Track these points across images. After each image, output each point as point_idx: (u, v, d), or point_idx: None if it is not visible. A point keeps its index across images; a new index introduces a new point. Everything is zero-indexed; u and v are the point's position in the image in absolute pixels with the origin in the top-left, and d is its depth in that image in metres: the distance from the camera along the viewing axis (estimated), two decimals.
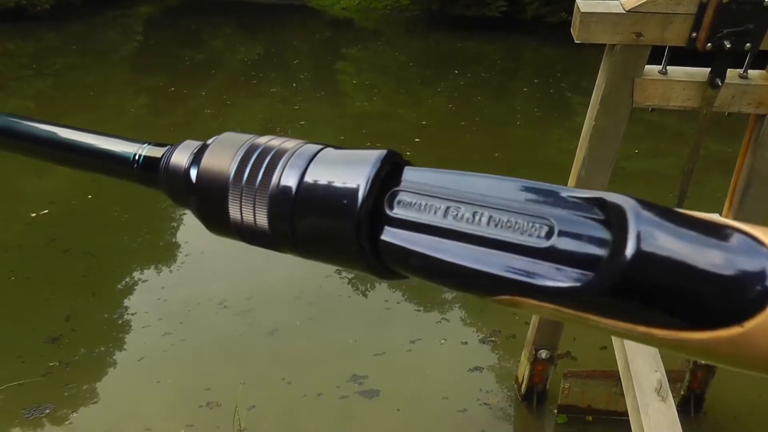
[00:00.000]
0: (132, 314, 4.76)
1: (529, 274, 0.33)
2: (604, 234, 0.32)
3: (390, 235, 0.38)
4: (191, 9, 17.02)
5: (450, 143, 8.14)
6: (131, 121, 9.28)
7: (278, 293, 4.97)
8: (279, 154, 0.42)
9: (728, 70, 2.52)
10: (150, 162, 0.52)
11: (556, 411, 3.78)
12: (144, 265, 5.42)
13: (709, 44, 2.35)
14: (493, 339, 4.49)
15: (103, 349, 4.45)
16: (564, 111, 9.67)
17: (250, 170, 0.42)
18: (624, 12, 2.38)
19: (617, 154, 2.82)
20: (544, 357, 3.67)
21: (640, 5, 2.35)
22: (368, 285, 5.17)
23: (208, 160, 0.45)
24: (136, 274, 5.30)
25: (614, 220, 0.32)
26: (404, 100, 10.26)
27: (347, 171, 0.39)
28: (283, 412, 3.86)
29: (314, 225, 0.40)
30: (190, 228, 6.08)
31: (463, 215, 0.37)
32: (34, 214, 6.11)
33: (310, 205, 0.39)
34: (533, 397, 3.87)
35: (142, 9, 17.03)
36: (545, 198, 0.35)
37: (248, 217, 0.42)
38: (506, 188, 0.37)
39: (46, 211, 6.22)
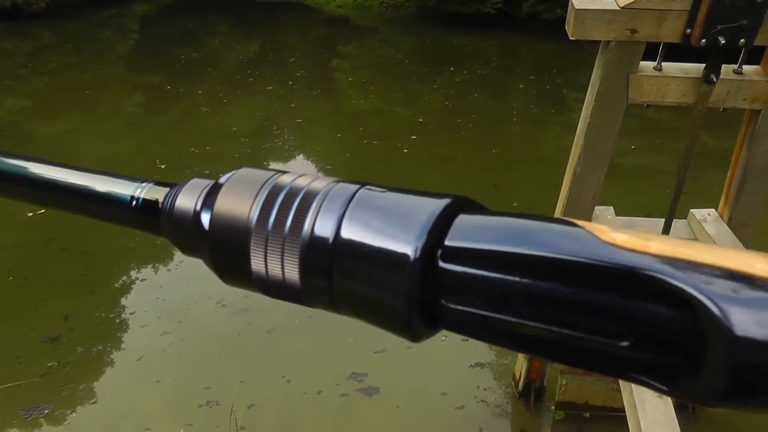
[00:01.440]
0: (130, 313, 4.77)
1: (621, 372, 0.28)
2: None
3: (448, 298, 0.32)
4: (187, 7, 17.00)
5: (447, 140, 8.14)
6: (127, 120, 9.27)
7: None
8: (310, 196, 0.37)
9: (723, 66, 2.53)
10: (150, 205, 0.46)
11: (553, 408, 3.79)
12: (142, 263, 5.42)
13: (703, 40, 2.35)
14: None
15: (101, 348, 4.45)
16: (560, 107, 9.68)
17: (277, 214, 0.37)
18: (618, 9, 2.38)
19: (613, 150, 2.83)
20: None
21: (634, 2, 2.35)
22: None
23: (224, 203, 0.39)
24: (135, 273, 5.30)
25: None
26: (400, 97, 10.26)
27: (396, 220, 0.34)
28: (282, 410, 3.86)
29: (357, 283, 0.34)
30: None
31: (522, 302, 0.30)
32: (30, 214, 6.11)
33: (352, 259, 0.34)
34: (530, 393, 3.88)
35: (138, 7, 17.01)
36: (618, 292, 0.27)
37: (275, 269, 0.37)
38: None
39: (43, 210, 6.22)
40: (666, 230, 2.87)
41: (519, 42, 13.67)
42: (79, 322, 4.69)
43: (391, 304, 0.33)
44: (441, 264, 0.32)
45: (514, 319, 0.30)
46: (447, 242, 0.32)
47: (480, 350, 4.37)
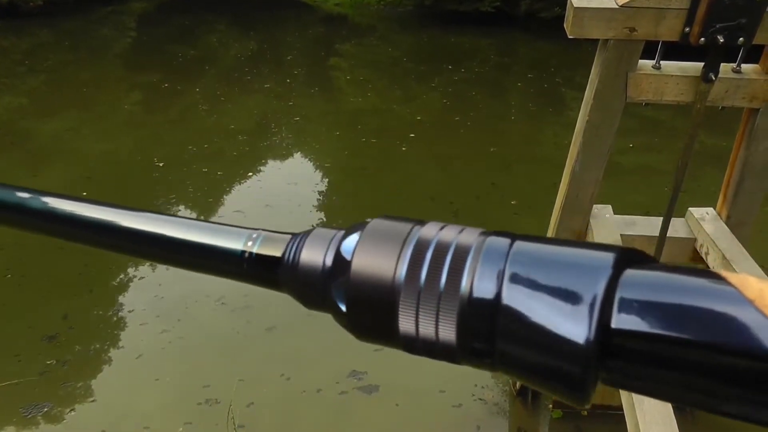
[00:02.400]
0: (129, 311, 4.76)
1: None
2: None
3: (618, 360, 0.31)
4: (184, 5, 16.98)
5: (445, 139, 8.14)
6: (125, 118, 9.26)
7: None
8: (461, 251, 0.35)
9: (722, 64, 2.53)
10: (267, 259, 0.43)
11: (551, 406, 3.80)
12: (140, 261, 5.41)
13: (702, 39, 2.35)
14: None
15: (100, 346, 4.45)
16: (559, 106, 9.68)
17: (429, 272, 0.35)
18: (617, 7, 2.39)
19: (612, 149, 2.83)
20: None
21: (633, 0, 2.36)
22: None
23: (365, 258, 0.37)
24: (133, 271, 5.29)
25: None
26: (398, 95, 10.26)
27: (564, 280, 0.32)
28: (281, 408, 3.87)
29: (523, 347, 0.33)
30: None
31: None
32: None
33: (518, 321, 0.33)
34: (528, 392, 3.88)
35: (136, 5, 16.99)
36: None
37: (427, 329, 0.35)
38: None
39: None
40: (664, 229, 2.88)
41: (517, 40, 13.67)
42: (78, 320, 4.69)
43: (564, 371, 0.31)
44: (613, 325, 0.31)
45: (679, 379, 0.30)
46: (617, 304, 0.31)
47: None
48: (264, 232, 0.45)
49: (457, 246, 0.35)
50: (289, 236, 0.44)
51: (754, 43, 2.38)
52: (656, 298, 0.30)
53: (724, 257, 2.68)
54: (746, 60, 2.59)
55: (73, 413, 3.86)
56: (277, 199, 6.56)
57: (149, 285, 5.10)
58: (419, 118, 8.88)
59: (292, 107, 9.68)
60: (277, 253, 0.43)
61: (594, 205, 3.04)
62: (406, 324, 0.35)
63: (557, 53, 11.95)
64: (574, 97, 9.17)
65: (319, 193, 6.87)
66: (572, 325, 0.31)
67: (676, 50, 2.50)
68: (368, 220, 0.39)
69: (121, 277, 5.24)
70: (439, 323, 0.34)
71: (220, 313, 4.70)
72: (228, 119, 9.01)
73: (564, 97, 10.10)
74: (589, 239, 3.01)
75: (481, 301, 0.33)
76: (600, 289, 0.31)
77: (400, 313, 0.35)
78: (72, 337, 4.50)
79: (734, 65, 2.60)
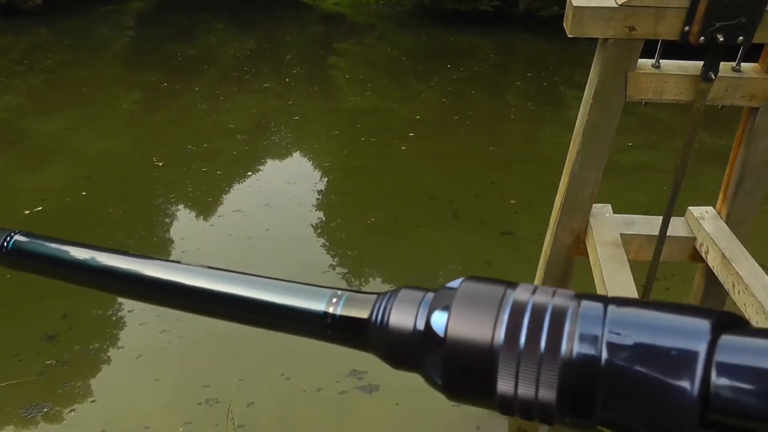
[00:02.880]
0: (128, 311, 4.76)
1: None
2: None
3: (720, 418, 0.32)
4: (183, 4, 16.97)
5: (444, 138, 8.14)
6: (124, 117, 9.25)
7: None
8: (558, 315, 0.36)
9: (721, 63, 2.53)
10: (353, 321, 0.44)
11: None
12: None
13: (702, 38, 2.35)
14: None
15: (100, 346, 4.45)
16: (557, 105, 9.68)
17: (528, 336, 0.36)
18: (616, 6, 2.38)
19: (611, 148, 2.83)
20: None
21: None
22: (366, 281, 5.18)
23: (462, 322, 0.38)
24: None
25: None
26: (397, 94, 10.25)
27: (661, 342, 0.33)
28: (281, 408, 3.87)
29: (626, 413, 0.33)
30: (185, 224, 6.08)
31: None
32: (27, 212, 6.10)
33: (620, 387, 0.33)
34: None
35: (135, 4, 16.98)
36: None
37: (526, 392, 0.35)
38: None
39: (40, 208, 6.21)
40: (663, 228, 2.87)
41: (516, 39, 13.67)
42: (78, 320, 4.68)
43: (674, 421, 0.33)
44: (711, 390, 0.32)
45: None
46: (714, 369, 0.32)
47: None
48: (347, 293, 0.45)
49: (554, 310, 0.36)
50: (373, 297, 0.44)
51: (753, 41, 2.37)
52: (752, 363, 0.32)
53: (723, 256, 2.68)
54: (746, 59, 2.59)
55: (72, 413, 3.86)
56: (276, 199, 6.56)
57: None
58: (418, 117, 8.88)
59: (291, 106, 9.67)
60: (363, 315, 0.43)
61: (593, 204, 3.04)
62: (504, 386, 0.36)
63: (556, 52, 11.95)
64: (573, 95, 9.17)
65: (319, 192, 6.86)
66: (674, 389, 0.32)
67: (675, 49, 2.50)
68: (455, 283, 0.40)
69: None
70: (540, 385, 0.35)
71: None
72: (227, 118, 9.01)
73: (563, 95, 10.10)
74: (589, 238, 3.01)
75: (582, 364, 0.34)
76: (700, 354, 0.32)
77: (499, 376, 0.36)
78: (72, 337, 4.50)
79: (734, 64, 2.60)
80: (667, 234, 2.90)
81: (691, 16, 2.34)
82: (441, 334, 0.38)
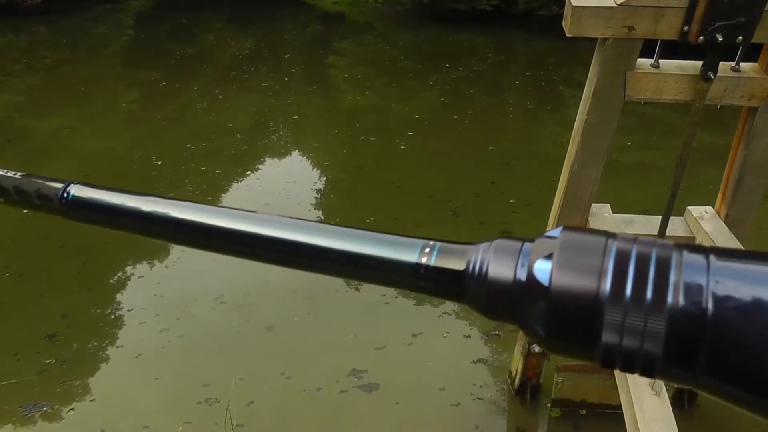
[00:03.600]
0: (128, 310, 4.76)
1: None
2: None
3: None
4: (182, 3, 16.95)
5: (443, 137, 8.14)
6: (123, 116, 9.25)
7: (275, 288, 4.97)
8: (662, 265, 0.36)
9: (720, 63, 2.53)
10: (447, 272, 0.44)
11: (550, 405, 3.79)
12: (139, 260, 5.41)
13: (701, 38, 2.35)
14: (496, 333, 4.49)
15: (99, 345, 4.44)
16: (556, 104, 9.68)
17: (633, 287, 0.36)
18: (615, 6, 2.38)
19: (610, 147, 2.83)
20: (537, 351, 3.67)
21: None
22: None
23: (567, 273, 0.38)
24: (132, 270, 5.29)
25: None
26: (396, 93, 10.25)
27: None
28: (281, 407, 3.87)
29: (735, 360, 0.34)
30: None
31: None
32: (26, 210, 6.08)
33: (727, 335, 0.33)
34: (527, 391, 3.88)
35: (133, 3, 16.95)
36: None
37: (632, 342, 0.35)
38: None
39: None
40: (663, 227, 2.88)
41: (514, 38, 13.67)
42: (77, 319, 4.68)
43: None
44: None
45: None
46: None
47: (480, 347, 4.38)
48: (439, 243, 0.45)
49: (658, 260, 0.36)
50: (468, 248, 0.44)
51: (752, 41, 2.38)
52: None
53: None
54: (745, 59, 2.59)
55: (72, 412, 3.86)
56: (275, 198, 6.56)
57: (148, 283, 5.09)
58: (417, 116, 8.87)
59: (290, 105, 9.67)
60: (458, 266, 0.43)
61: (593, 204, 3.04)
62: (609, 338, 0.36)
63: (555, 51, 11.95)
64: (572, 94, 9.17)
65: (318, 191, 6.86)
66: None
67: (674, 49, 2.50)
68: (555, 232, 0.40)
69: (120, 275, 5.24)
70: (646, 337, 0.35)
71: (219, 312, 4.70)
72: (226, 117, 9.00)
73: (562, 94, 10.10)
74: None
75: (689, 316, 0.34)
76: None
77: (604, 327, 0.36)
78: (71, 336, 4.50)
79: (733, 64, 2.60)
80: (667, 233, 2.91)
81: (691, 15, 2.35)
82: (545, 283, 0.38)
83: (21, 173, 0.67)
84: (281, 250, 0.51)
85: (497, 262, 0.41)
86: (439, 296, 0.45)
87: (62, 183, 0.63)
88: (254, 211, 0.53)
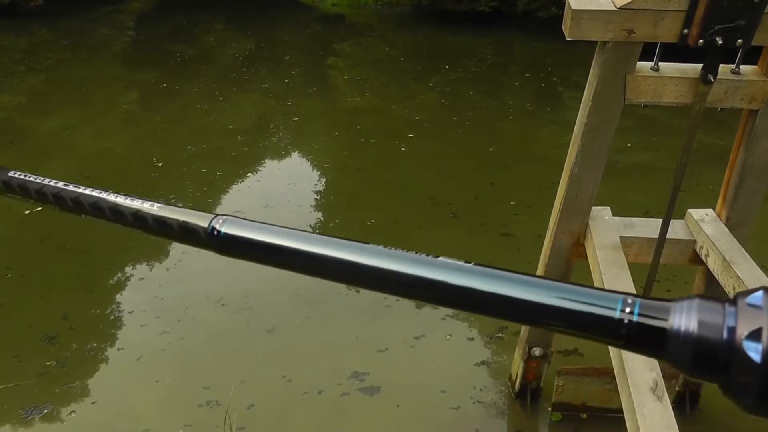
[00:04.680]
0: (129, 312, 4.76)
1: None
2: None
3: None
4: (182, 4, 16.95)
5: (444, 138, 8.14)
6: (123, 117, 9.25)
7: (276, 291, 4.97)
8: None
9: (720, 66, 2.53)
10: (649, 330, 0.44)
11: (550, 409, 3.79)
12: (140, 262, 5.41)
13: (701, 40, 2.35)
14: (500, 336, 4.49)
15: (100, 347, 4.44)
16: (556, 105, 9.69)
17: None
18: (615, 9, 2.38)
19: (610, 150, 2.83)
20: (537, 354, 3.66)
21: (631, 2, 2.35)
22: None
23: None
24: (133, 272, 5.29)
25: None
26: (396, 95, 10.25)
27: None
28: (282, 410, 3.86)
29: None
30: None
31: None
32: (27, 212, 6.09)
33: None
34: (527, 394, 3.87)
35: (134, 5, 16.96)
36: None
37: None
38: None
39: (40, 208, 6.19)
40: (663, 231, 2.88)
41: (514, 40, 13.67)
42: (78, 320, 4.68)
43: None
44: None
45: None
46: None
47: (483, 350, 4.38)
48: (638, 299, 0.45)
49: None
50: (668, 305, 0.44)
51: (752, 44, 2.38)
52: None
53: (724, 259, 2.68)
54: (745, 61, 2.59)
55: (73, 415, 3.86)
56: (276, 200, 6.56)
57: (149, 285, 5.09)
58: (417, 117, 8.88)
59: (291, 107, 9.67)
60: (661, 324, 0.44)
61: (593, 207, 3.04)
62: None
63: (554, 52, 11.95)
64: (572, 96, 9.18)
65: (318, 193, 6.86)
66: None
67: (674, 52, 2.50)
68: (757, 299, 0.41)
69: (120, 276, 5.24)
70: None
71: (220, 314, 4.70)
72: (226, 119, 9.00)
73: (561, 96, 10.11)
74: (588, 241, 3.02)
75: None
76: None
77: None
78: (72, 338, 4.50)
79: (733, 66, 2.60)
80: (667, 237, 2.91)
81: (690, 18, 2.35)
82: (757, 361, 0.39)
83: (158, 203, 0.69)
84: (473, 299, 0.52)
85: (703, 327, 0.42)
86: (638, 351, 0.46)
87: (208, 216, 0.65)
88: (416, 253, 0.55)
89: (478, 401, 3.92)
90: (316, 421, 3.80)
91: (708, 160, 6.21)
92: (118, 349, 4.41)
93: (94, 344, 4.46)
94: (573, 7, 2.40)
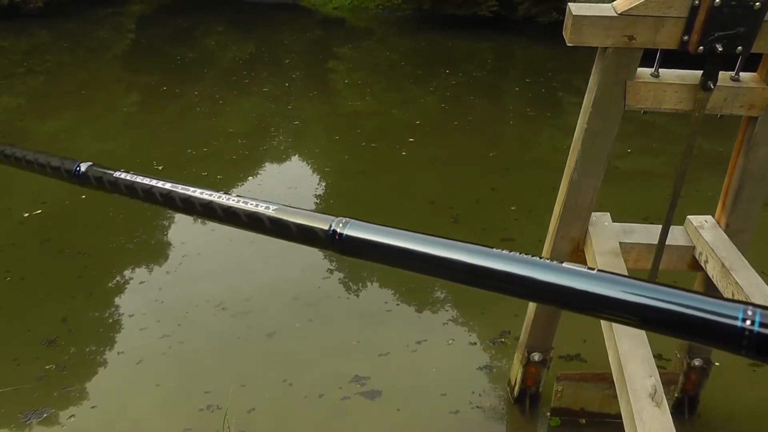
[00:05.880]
0: (129, 316, 4.75)
1: None
2: None
3: None
4: (183, 7, 16.98)
5: (444, 143, 8.15)
6: (123, 119, 9.26)
7: (276, 294, 4.97)
8: None
9: (720, 72, 2.54)
10: None
11: (549, 414, 3.79)
12: (140, 265, 5.41)
13: (701, 47, 2.36)
14: (502, 340, 4.48)
15: (100, 351, 4.43)
16: (556, 110, 9.70)
17: None
18: (616, 15, 2.39)
19: (610, 156, 2.84)
20: (536, 359, 3.66)
21: (631, 8, 2.36)
22: (365, 285, 5.18)
23: None
24: (133, 275, 5.28)
25: None
26: (396, 99, 10.27)
27: None
28: (283, 413, 3.86)
29: None
30: (185, 228, 6.08)
31: None
32: (26, 214, 6.10)
33: None
34: (526, 399, 3.87)
35: (135, 7, 16.99)
36: None
37: None
38: None
39: (39, 210, 6.20)
40: (663, 237, 2.88)
41: (514, 44, 13.70)
42: (77, 324, 4.68)
43: None
44: None
45: None
46: None
47: (486, 354, 4.38)
48: (758, 309, 0.47)
49: None
50: None
51: (752, 51, 2.39)
52: None
53: (723, 265, 2.68)
54: (744, 68, 2.60)
55: (72, 419, 3.85)
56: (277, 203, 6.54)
57: (149, 288, 5.09)
58: (418, 122, 8.89)
59: (291, 110, 9.69)
60: None
61: (593, 213, 3.04)
62: None
63: (554, 57, 11.97)
64: (572, 101, 9.19)
65: (319, 197, 6.87)
66: None
67: (674, 58, 2.51)
68: None
69: (120, 280, 5.24)
70: None
71: (220, 318, 4.69)
72: (226, 122, 9.01)
73: (561, 101, 10.13)
74: (588, 247, 3.02)
75: None
76: None
77: None
78: (71, 341, 4.49)
79: (733, 74, 2.61)
80: (667, 243, 2.91)
81: (690, 25, 2.35)
82: None
83: (275, 205, 0.75)
84: (603, 305, 0.54)
85: None
86: (761, 360, 0.47)
87: (328, 219, 0.69)
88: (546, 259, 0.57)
89: (477, 406, 3.92)
90: (317, 425, 3.80)
91: (707, 167, 6.22)
92: (118, 353, 4.41)
93: (94, 348, 4.46)
94: (574, 13, 2.41)
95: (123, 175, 0.88)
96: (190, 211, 0.80)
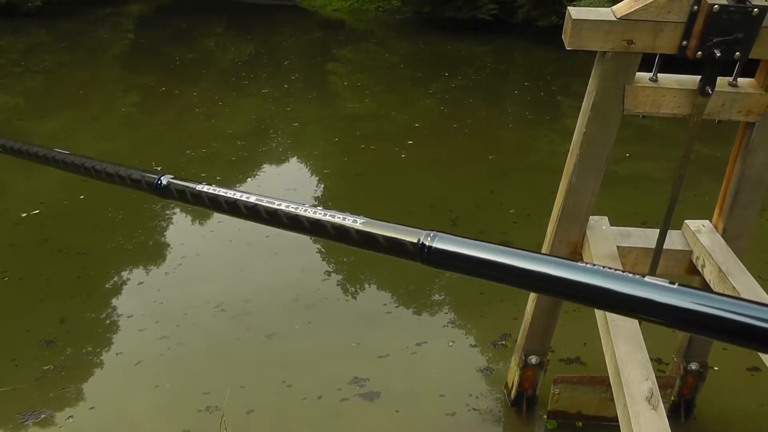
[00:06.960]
0: (128, 317, 4.75)
1: None
2: None
3: None
4: (183, 8, 16.99)
5: (443, 146, 8.16)
6: (122, 120, 9.27)
7: (275, 296, 4.97)
8: None
9: (718, 78, 2.55)
10: None
11: (545, 417, 3.79)
12: (139, 266, 5.41)
13: (699, 53, 2.37)
14: (503, 343, 4.49)
15: (98, 352, 4.43)
16: (555, 114, 9.72)
17: None
18: (615, 19, 2.40)
19: (608, 160, 2.85)
20: (534, 362, 3.66)
21: (631, 13, 2.37)
22: (365, 287, 5.18)
23: None
24: (132, 276, 5.28)
25: None
26: (396, 101, 10.28)
27: None
28: (282, 414, 3.86)
29: None
30: (184, 229, 6.08)
31: None
32: (24, 214, 6.10)
33: None
34: (523, 402, 3.87)
35: (134, 7, 17.00)
36: None
37: None
38: None
39: (37, 211, 6.20)
40: (661, 241, 2.89)
41: (513, 48, 13.72)
42: (76, 324, 4.67)
43: None
44: None
45: None
46: None
47: (485, 357, 4.38)
48: None
49: None
50: None
51: (750, 57, 2.40)
52: None
53: (720, 270, 2.70)
54: (742, 74, 2.61)
55: (70, 420, 3.85)
56: None
57: (148, 290, 5.09)
58: (417, 124, 8.90)
59: (290, 112, 9.70)
60: None
61: (591, 216, 3.05)
62: None
63: (553, 61, 11.99)
64: (570, 104, 9.21)
65: (318, 199, 6.88)
66: None
67: (673, 63, 2.52)
68: None
69: (119, 281, 5.24)
70: None
71: (219, 319, 4.69)
72: (226, 123, 9.02)
73: (560, 104, 10.14)
74: (586, 250, 3.03)
75: None
76: None
77: None
78: (69, 342, 4.49)
79: (730, 79, 2.62)
80: (664, 247, 2.92)
81: (689, 30, 2.36)
82: None
83: (361, 219, 0.76)
84: (684, 317, 0.56)
85: None
86: None
87: (417, 232, 0.71)
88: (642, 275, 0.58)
89: (474, 408, 3.92)
90: (316, 426, 3.80)
91: (705, 171, 6.23)
92: (117, 354, 4.40)
93: (92, 348, 4.46)
94: (573, 17, 2.42)
95: (206, 188, 0.90)
96: (276, 224, 0.83)
